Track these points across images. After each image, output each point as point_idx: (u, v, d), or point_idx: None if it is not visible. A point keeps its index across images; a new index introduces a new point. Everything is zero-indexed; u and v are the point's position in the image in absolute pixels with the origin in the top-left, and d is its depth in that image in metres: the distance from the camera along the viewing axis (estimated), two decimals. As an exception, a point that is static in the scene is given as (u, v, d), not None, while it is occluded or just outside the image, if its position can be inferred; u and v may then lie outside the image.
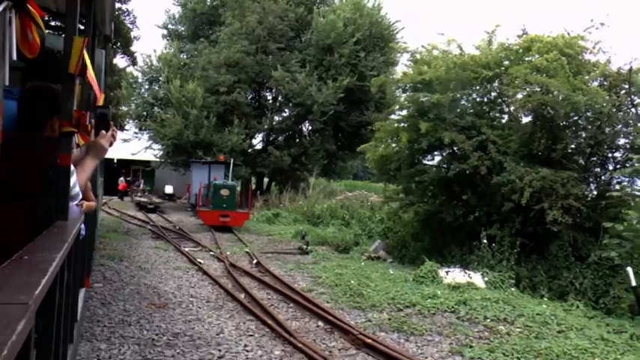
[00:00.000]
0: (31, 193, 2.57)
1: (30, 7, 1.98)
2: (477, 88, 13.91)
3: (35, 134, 2.90)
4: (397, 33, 31.52)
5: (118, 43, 20.28)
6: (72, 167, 2.96)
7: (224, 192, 19.36)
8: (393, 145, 16.20)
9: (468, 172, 13.14)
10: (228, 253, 13.72)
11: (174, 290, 9.53)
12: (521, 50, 13.56)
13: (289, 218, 22.22)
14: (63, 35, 3.15)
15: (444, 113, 13.32)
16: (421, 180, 13.60)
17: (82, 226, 3.54)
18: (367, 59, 29.25)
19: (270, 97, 32.61)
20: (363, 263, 13.76)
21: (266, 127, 30.26)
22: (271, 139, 31.68)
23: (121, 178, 35.67)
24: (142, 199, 28.65)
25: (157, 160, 32.40)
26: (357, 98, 29.97)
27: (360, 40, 28.98)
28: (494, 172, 13.33)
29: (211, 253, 13.64)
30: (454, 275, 11.02)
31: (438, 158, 16.52)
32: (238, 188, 24.92)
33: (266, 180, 34.16)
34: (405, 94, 15.01)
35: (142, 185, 34.46)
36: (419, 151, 14.29)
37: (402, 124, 15.15)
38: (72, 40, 2.70)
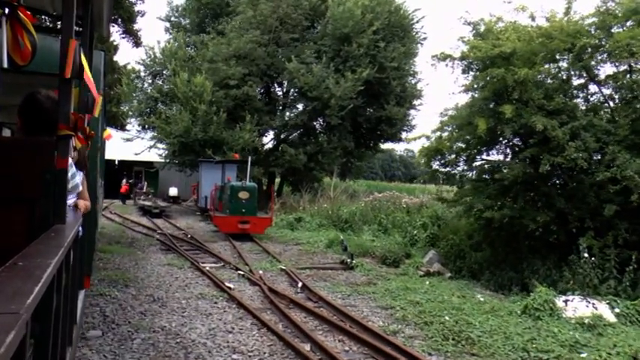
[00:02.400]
0: (28, 196, 2.52)
1: (21, 14, 1.83)
2: (568, 62, 10.82)
3: (33, 138, 2.87)
4: (417, 22, 28.46)
5: (119, 20, 16.92)
6: (70, 160, 2.88)
7: (243, 195, 16.20)
8: (449, 135, 13.12)
9: (563, 166, 10.09)
10: (260, 272, 10.57)
11: (206, 338, 6.39)
12: (621, 13, 10.50)
13: (313, 223, 19.06)
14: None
15: (531, 93, 10.24)
16: (502, 177, 10.46)
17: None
18: (387, 49, 26.16)
19: (282, 92, 29.44)
20: (428, 282, 10.68)
21: (279, 123, 27.04)
22: (283, 136, 28.47)
23: (124, 180, 32.34)
24: (146, 203, 25.36)
25: (161, 160, 29.12)
26: (376, 92, 26.89)
27: (379, 29, 25.88)
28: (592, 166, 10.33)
29: (240, 272, 10.48)
30: (575, 305, 7.95)
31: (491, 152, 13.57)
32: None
33: (277, 181, 30.92)
34: (475, 73, 11.83)
35: (145, 188, 31.10)
36: (497, 139, 11.23)
37: (458, 110, 12.02)
38: (68, 42, 2.61)
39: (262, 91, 28.57)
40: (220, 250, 13.82)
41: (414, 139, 13.35)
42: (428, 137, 13.40)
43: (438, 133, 13.21)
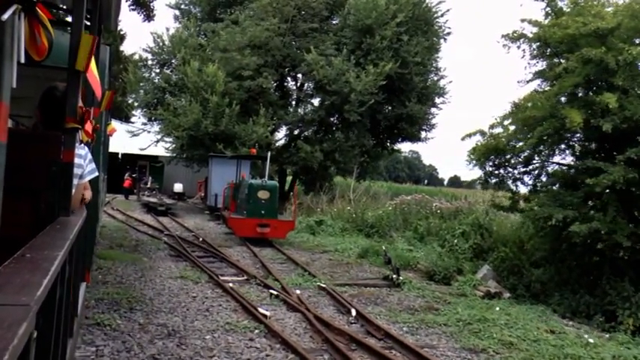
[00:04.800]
0: (34, 187, 2.51)
1: (39, 11, 1.82)
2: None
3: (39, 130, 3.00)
4: (442, 16, 26.27)
5: (128, -12, 14.66)
6: (86, 149, 3.20)
7: (262, 194, 14.01)
8: (503, 131, 11.03)
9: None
10: (297, 291, 8.38)
11: (251, 410, 4.22)
12: None
13: (335, 227, 16.89)
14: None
15: (637, 79, 8.10)
16: (597, 183, 8.29)
17: None
18: (410, 43, 23.98)
19: (297, 84, 27.24)
20: (498, 309, 8.55)
21: (293, 118, 24.82)
22: (297, 132, 26.23)
23: (127, 175, 30.04)
24: (151, 200, 23.09)
25: (167, 154, 26.87)
26: (397, 88, 24.70)
27: (402, 21, 23.70)
28: None
29: (272, 291, 8.27)
30: None
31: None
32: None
33: (288, 179, 28.70)
34: (550, 56, 9.69)
35: (149, 183, 28.79)
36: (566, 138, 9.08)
37: (534, 101, 9.82)
38: (79, 36, 2.66)
39: (276, 84, 26.35)
40: (239, 258, 11.66)
41: (469, 135, 11.11)
42: (483, 133, 11.26)
43: (496, 130, 11.09)
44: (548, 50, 9.68)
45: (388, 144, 28.91)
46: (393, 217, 16.45)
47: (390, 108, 25.58)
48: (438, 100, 26.66)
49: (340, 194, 22.18)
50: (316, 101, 25.81)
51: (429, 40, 25.27)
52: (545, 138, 9.29)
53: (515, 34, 9.60)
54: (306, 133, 25.86)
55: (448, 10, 26.38)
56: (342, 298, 8.01)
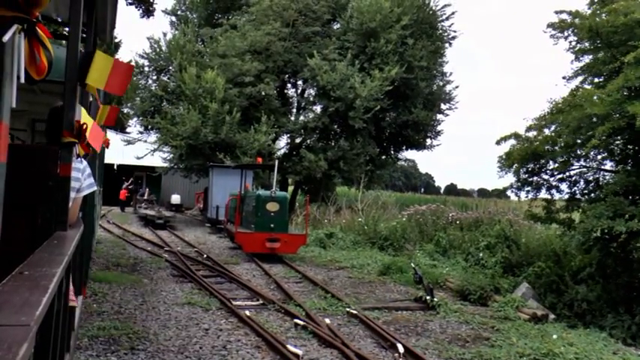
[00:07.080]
0: (30, 202, 2.46)
1: (39, 31, 1.80)
2: None
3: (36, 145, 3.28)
4: (447, 19, 25.27)
5: (126, -19, 13.32)
6: (84, 163, 3.12)
7: (272, 206, 12.77)
8: (538, 134, 9.92)
9: None
10: (327, 320, 7.11)
11: None
12: None
13: (347, 240, 15.66)
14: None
15: None
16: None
17: None
18: (415, 47, 22.94)
19: (297, 91, 26.15)
20: (555, 336, 7.34)
21: (295, 125, 23.63)
22: (299, 140, 25.03)
23: (124, 186, 28.65)
24: (149, 212, 21.70)
25: (164, 165, 25.53)
26: (402, 93, 23.64)
27: (407, 25, 22.67)
28: None
29: (297, 320, 6.99)
30: None
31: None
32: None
33: (290, 189, 27.45)
34: (600, 48, 8.56)
35: (146, 194, 27.36)
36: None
37: (588, 98, 8.63)
38: (76, 48, 2.71)
39: (279, 90, 25.18)
40: (249, 278, 10.39)
41: (504, 138, 9.98)
42: (518, 136, 10.12)
43: (531, 133, 9.96)
44: (598, 41, 8.55)
45: (392, 152, 27.84)
46: (409, 229, 15.22)
47: (394, 114, 24.52)
48: (444, 106, 25.63)
49: (347, 205, 20.92)
50: (319, 108, 24.72)
51: (434, 44, 24.28)
52: (607, 138, 8.14)
53: (564, 23, 8.47)
54: (308, 141, 24.69)
55: (453, 14, 25.31)
56: (379, 328, 6.76)
